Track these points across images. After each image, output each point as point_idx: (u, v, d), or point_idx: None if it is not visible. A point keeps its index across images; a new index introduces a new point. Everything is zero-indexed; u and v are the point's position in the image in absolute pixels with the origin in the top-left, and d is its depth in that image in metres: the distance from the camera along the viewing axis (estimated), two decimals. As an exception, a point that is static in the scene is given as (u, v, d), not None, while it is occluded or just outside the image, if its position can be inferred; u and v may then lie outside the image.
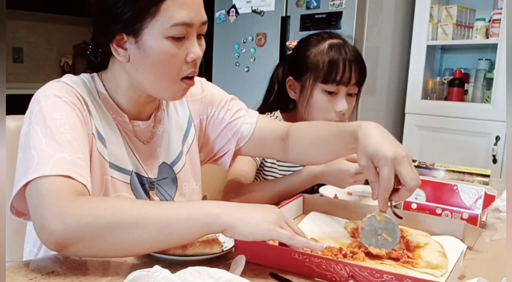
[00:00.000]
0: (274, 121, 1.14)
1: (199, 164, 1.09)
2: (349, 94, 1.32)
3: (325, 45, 1.31)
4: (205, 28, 0.88)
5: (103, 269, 0.75)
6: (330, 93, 1.30)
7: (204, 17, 0.87)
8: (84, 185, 0.77)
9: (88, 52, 0.94)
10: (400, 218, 0.89)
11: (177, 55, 0.85)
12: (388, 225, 0.84)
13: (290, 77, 1.37)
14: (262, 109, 1.44)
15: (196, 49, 0.86)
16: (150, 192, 0.97)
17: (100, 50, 0.92)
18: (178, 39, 0.84)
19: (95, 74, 0.94)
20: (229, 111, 1.09)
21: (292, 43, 1.47)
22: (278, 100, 1.44)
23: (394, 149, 0.81)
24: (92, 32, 0.90)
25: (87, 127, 0.86)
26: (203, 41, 0.90)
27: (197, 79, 1.05)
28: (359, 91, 1.37)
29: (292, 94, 1.38)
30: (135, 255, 0.78)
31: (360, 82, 1.33)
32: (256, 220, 0.75)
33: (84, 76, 0.93)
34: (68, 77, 0.90)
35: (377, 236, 0.84)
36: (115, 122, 0.93)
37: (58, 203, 0.71)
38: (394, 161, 0.80)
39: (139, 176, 0.95)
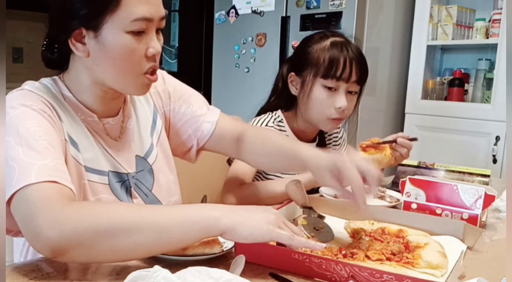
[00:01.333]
0: (233, 121, 1.15)
1: (171, 153, 1.09)
2: (349, 92, 1.32)
3: (327, 42, 1.32)
4: (163, 23, 0.88)
5: (103, 269, 0.75)
6: (330, 88, 1.30)
7: (162, 12, 0.87)
8: (71, 189, 0.76)
9: (43, 48, 0.92)
10: (323, 217, 1.00)
11: (137, 50, 0.84)
12: (320, 222, 0.97)
13: (292, 73, 1.38)
14: (265, 109, 1.44)
15: (156, 44, 0.86)
16: (131, 189, 0.96)
17: (56, 46, 0.90)
18: (138, 33, 0.83)
19: (56, 77, 0.92)
20: (190, 106, 1.10)
21: (297, 43, 1.48)
22: (280, 98, 1.44)
23: (336, 156, 0.90)
24: (48, 27, 0.89)
25: (60, 133, 0.84)
26: (161, 36, 0.90)
27: (158, 72, 1.04)
28: (361, 90, 1.37)
29: (293, 90, 1.38)
30: (135, 259, 0.78)
31: (361, 81, 1.33)
32: (255, 222, 0.75)
33: (46, 80, 0.91)
34: (30, 84, 0.88)
35: (316, 230, 0.94)
36: (85, 124, 0.91)
37: (51, 209, 0.70)
38: (351, 162, 0.86)
39: (117, 174, 0.94)
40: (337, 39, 1.33)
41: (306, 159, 0.95)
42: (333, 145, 1.53)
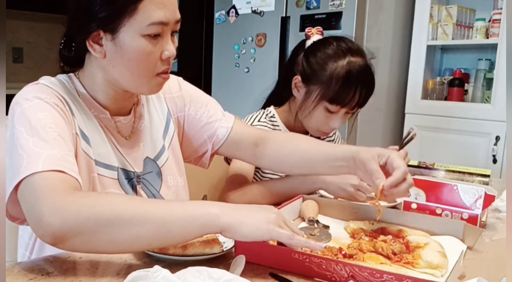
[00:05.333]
0: (249, 127, 1.16)
1: (182, 158, 1.11)
2: (346, 112, 1.32)
3: (343, 62, 1.26)
4: (178, 26, 0.90)
5: (103, 269, 0.75)
6: (331, 112, 1.30)
7: (178, 15, 0.89)
8: (76, 179, 0.77)
9: (61, 47, 0.94)
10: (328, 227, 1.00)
11: (153, 53, 0.86)
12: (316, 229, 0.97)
13: (298, 77, 1.35)
14: (265, 105, 1.44)
15: (171, 48, 0.88)
16: (137, 186, 0.98)
17: (74, 45, 0.92)
18: (154, 37, 0.85)
19: (72, 74, 0.95)
20: (206, 112, 1.11)
21: (311, 30, 1.39)
22: (277, 94, 1.44)
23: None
24: (66, 27, 0.91)
25: (71, 127, 0.87)
26: (176, 39, 0.92)
27: (174, 77, 1.10)
28: (360, 107, 1.35)
29: (295, 92, 1.36)
30: (132, 252, 0.79)
31: (364, 104, 1.32)
32: (255, 220, 0.75)
33: (62, 77, 0.94)
34: (46, 79, 0.91)
35: (312, 235, 0.94)
36: (97, 120, 0.93)
37: (54, 197, 0.72)
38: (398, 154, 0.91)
39: (126, 171, 0.96)
40: (353, 59, 1.27)
41: (357, 150, 0.96)
42: (327, 140, 1.52)
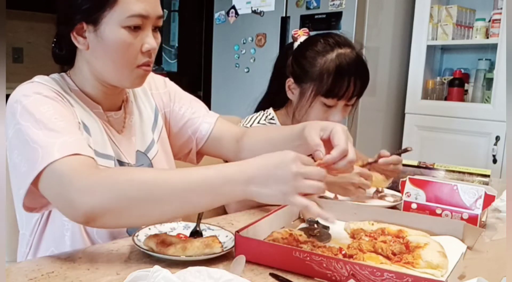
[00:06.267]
0: (231, 124, 1.17)
1: (171, 151, 1.13)
2: (346, 105, 1.32)
3: (332, 55, 1.27)
4: (161, 21, 0.94)
5: (103, 269, 0.75)
6: (329, 106, 1.29)
7: (159, 11, 0.92)
8: (93, 158, 0.82)
9: (53, 45, 0.98)
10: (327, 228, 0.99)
11: (133, 45, 0.90)
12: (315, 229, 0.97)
13: (291, 79, 1.35)
14: (259, 108, 1.44)
15: (151, 40, 0.91)
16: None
17: (63, 42, 0.96)
18: (134, 29, 0.89)
19: (63, 73, 0.99)
20: (189, 109, 1.14)
21: (298, 32, 1.40)
22: (274, 97, 1.43)
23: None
24: (56, 25, 0.94)
25: (74, 115, 0.91)
26: (158, 35, 0.95)
27: (160, 76, 1.15)
28: (358, 98, 1.34)
29: (290, 95, 1.37)
30: (164, 222, 0.86)
31: (360, 94, 1.31)
32: (271, 192, 0.75)
33: (54, 75, 0.98)
34: (39, 78, 0.94)
35: (313, 231, 0.95)
36: (93, 113, 0.97)
37: (79, 179, 0.76)
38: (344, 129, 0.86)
39: (121, 162, 0.99)
40: (341, 51, 1.27)
41: (304, 125, 0.94)
42: None
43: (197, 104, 1.16)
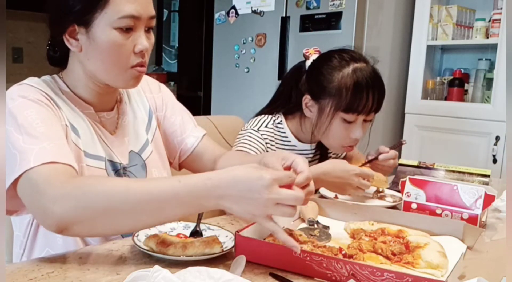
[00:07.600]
0: (215, 144, 1.18)
1: (165, 152, 1.13)
2: (364, 121, 1.31)
3: (348, 70, 1.26)
4: (153, 22, 0.94)
5: (103, 269, 0.75)
6: (349, 122, 1.28)
7: (151, 12, 0.92)
8: (70, 165, 0.81)
9: (47, 47, 0.99)
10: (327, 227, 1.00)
11: (125, 45, 0.90)
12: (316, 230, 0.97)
13: (308, 96, 1.33)
14: (266, 112, 1.43)
15: (143, 41, 0.91)
16: (124, 177, 1.00)
17: (57, 45, 0.96)
18: (126, 30, 0.89)
19: (55, 75, 0.99)
20: (180, 118, 1.15)
21: (309, 51, 1.41)
22: (284, 104, 1.42)
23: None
24: (48, 27, 0.94)
25: (60, 119, 0.90)
26: (151, 35, 0.95)
27: (155, 81, 1.16)
28: (375, 113, 1.33)
29: (308, 113, 1.35)
30: (134, 231, 0.85)
31: (378, 109, 1.30)
32: (242, 211, 0.74)
33: (46, 77, 0.98)
34: (30, 80, 0.94)
35: (313, 231, 0.95)
36: (83, 114, 0.97)
37: (51, 188, 0.76)
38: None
39: (112, 163, 0.99)
40: (357, 65, 1.27)
41: (264, 155, 0.93)
42: (333, 153, 1.52)
43: (187, 116, 1.17)
